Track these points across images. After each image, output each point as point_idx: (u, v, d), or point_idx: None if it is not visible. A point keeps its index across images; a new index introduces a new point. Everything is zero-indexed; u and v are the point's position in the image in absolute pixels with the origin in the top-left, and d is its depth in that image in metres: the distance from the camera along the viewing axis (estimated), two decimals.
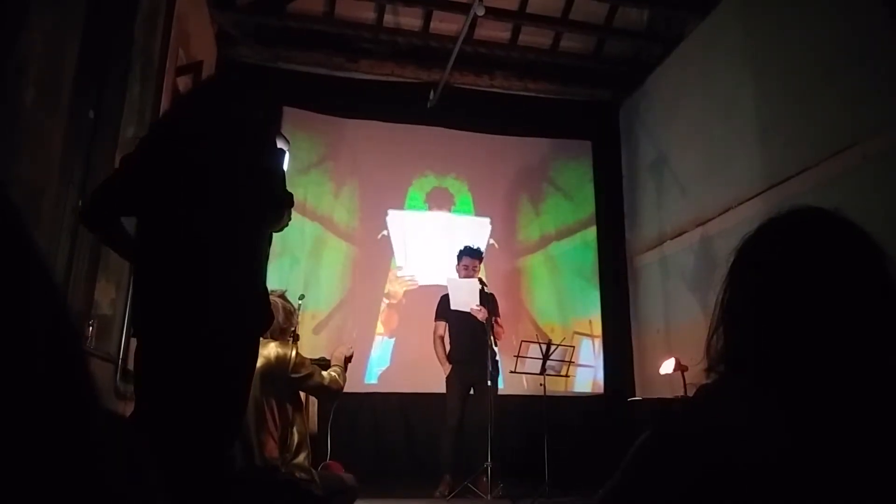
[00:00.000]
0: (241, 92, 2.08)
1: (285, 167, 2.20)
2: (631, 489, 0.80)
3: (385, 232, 5.97)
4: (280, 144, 2.23)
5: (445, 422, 4.69)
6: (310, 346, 4.35)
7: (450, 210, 6.18)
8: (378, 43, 5.95)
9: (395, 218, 6.02)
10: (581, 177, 6.52)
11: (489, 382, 4.49)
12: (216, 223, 1.85)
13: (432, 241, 5.97)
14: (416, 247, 5.99)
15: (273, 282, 2.13)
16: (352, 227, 5.95)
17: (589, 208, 6.44)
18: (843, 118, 3.88)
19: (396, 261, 5.94)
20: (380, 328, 5.79)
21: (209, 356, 1.79)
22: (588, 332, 6.10)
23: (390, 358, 5.72)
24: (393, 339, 5.77)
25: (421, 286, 5.83)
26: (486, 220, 6.19)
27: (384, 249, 5.95)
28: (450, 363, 4.81)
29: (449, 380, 4.78)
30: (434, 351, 4.93)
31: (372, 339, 5.72)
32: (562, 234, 6.33)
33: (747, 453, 0.72)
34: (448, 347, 4.89)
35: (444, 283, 4.97)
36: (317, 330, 5.47)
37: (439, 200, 6.17)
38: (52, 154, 2.55)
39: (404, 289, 5.87)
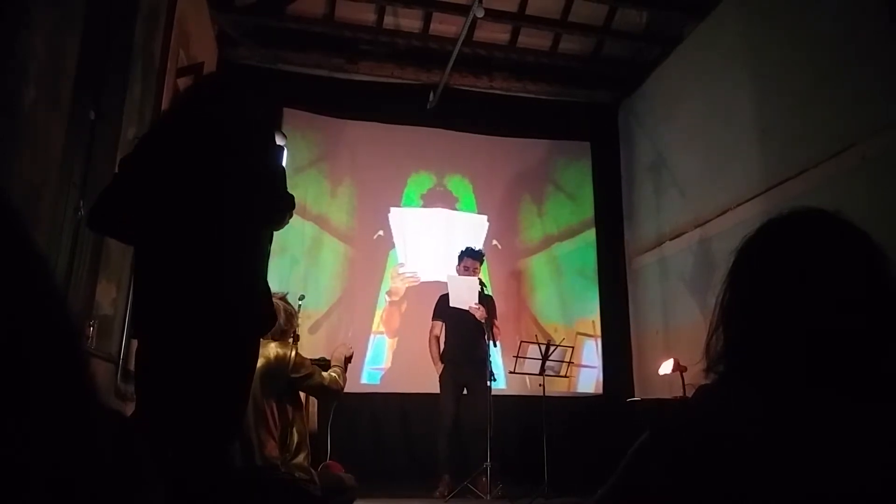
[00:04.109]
0: (239, 91, 2.07)
1: (283, 164, 2.20)
2: (629, 489, 0.81)
3: (381, 232, 5.98)
4: (278, 141, 2.22)
5: (439, 421, 4.70)
6: (305, 345, 4.35)
7: (450, 209, 6.19)
8: (377, 44, 5.96)
9: (396, 215, 6.03)
10: (583, 178, 6.54)
11: (488, 383, 4.50)
12: (216, 223, 1.85)
13: (433, 239, 5.98)
14: (418, 244, 6.00)
15: (273, 281, 2.13)
16: (349, 227, 5.96)
17: (591, 209, 6.45)
18: (842, 119, 3.88)
19: (398, 257, 5.94)
20: (381, 327, 5.79)
21: (209, 356, 1.79)
22: (591, 333, 6.11)
23: (392, 357, 5.72)
24: (396, 339, 5.76)
25: (423, 283, 5.84)
26: (484, 218, 6.19)
27: (380, 249, 5.95)
28: (442, 362, 4.83)
29: (441, 379, 4.80)
30: (429, 350, 4.95)
31: (367, 339, 5.72)
32: (564, 235, 6.34)
33: (745, 454, 0.73)
34: (442, 347, 4.90)
35: (445, 279, 4.98)
36: (313, 329, 5.48)
37: (439, 200, 6.18)
38: (53, 154, 2.56)
39: (406, 285, 5.87)
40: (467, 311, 4.71)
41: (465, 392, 4.77)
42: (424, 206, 6.14)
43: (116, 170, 2.02)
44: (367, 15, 5.74)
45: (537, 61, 6.20)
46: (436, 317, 4.99)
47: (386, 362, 5.72)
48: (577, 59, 6.23)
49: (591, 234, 6.38)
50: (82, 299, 3.19)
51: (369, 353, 5.69)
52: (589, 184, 6.52)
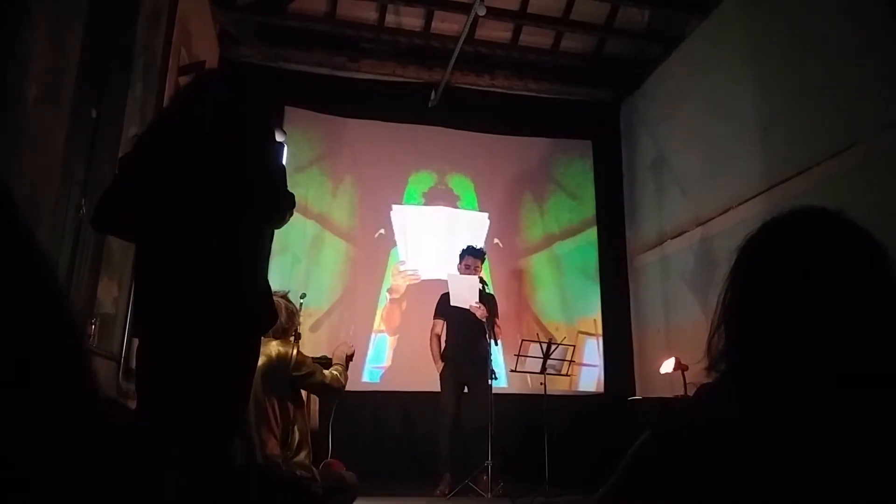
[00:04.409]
0: (238, 87, 2.07)
1: (283, 161, 2.19)
2: (631, 488, 0.81)
3: (382, 230, 5.98)
4: (278, 137, 2.21)
5: (440, 419, 4.70)
6: (306, 344, 4.35)
7: (452, 207, 6.19)
8: (379, 43, 5.95)
9: (397, 213, 6.03)
10: (584, 176, 6.53)
11: (489, 381, 4.51)
12: (216, 221, 1.85)
13: (435, 237, 5.98)
14: (419, 241, 6.00)
15: (274, 280, 2.13)
16: (350, 226, 5.96)
17: (592, 208, 6.45)
18: (844, 118, 3.87)
19: (399, 255, 5.95)
20: (381, 325, 5.79)
21: (210, 354, 1.79)
22: (593, 332, 6.11)
23: (393, 355, 5.72)
24: (396, 336, 5.77)
25: (424, 280, 5.84)
26: (485, 216, 6.19)
27: (382, 247, 5.95)
28: (443, 361, 4.83)
29: (442, 377, 4.81)
30: (430, 348, 4.95)
31: (369, 337, 5.72)
32: (566, 234, 6.34)
33: (747, 453, 0.73)
34: (443, 345, 4.91)
35: (445, 277, 4.99)
36: (314, 328, 5.48)
37: (440, 198, 6.18)
38: (55, 152, 2.56)
39: (407, 283, 5.88)
40: (468, 309, 4.71)
41: (465, 390, 4.77)
42: (426, 204, 6.14)
43: (116, 169, 2.02)
44: (369, 13, 5.74)
45: (539, 60, 6.19)
46: (437, 315, 4.99)
47: (387, 360, 5.72)
48: (578, 58, 6.22)
49: (592, 233, 6.38)
50: (84, 297, 3.19)
51: (370, 352, 5.69)
52: (590, 182, 6.51)
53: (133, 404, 1.94)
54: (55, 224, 2.77)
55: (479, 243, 5.38)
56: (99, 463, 0.42)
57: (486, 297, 4.78)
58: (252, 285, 1.91)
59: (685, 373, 4.46)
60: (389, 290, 5.86)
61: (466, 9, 5.20)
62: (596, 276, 6.28)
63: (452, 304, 4.77)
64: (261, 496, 2.54)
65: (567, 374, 4.97)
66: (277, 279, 5.14)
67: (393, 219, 6.01)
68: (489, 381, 4.52)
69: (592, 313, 6.17)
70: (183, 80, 4.15)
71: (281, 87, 5.70)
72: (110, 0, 3.25)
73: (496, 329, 4.79)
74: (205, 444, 1.79)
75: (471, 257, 4.94)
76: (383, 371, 5.69)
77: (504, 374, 5.09)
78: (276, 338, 2.77)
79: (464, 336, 4.78)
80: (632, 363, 6.06)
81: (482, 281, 4.82)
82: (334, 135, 6.06)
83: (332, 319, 5.67)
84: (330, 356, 3.22)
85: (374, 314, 5.81)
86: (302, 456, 2.76)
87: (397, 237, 5.99)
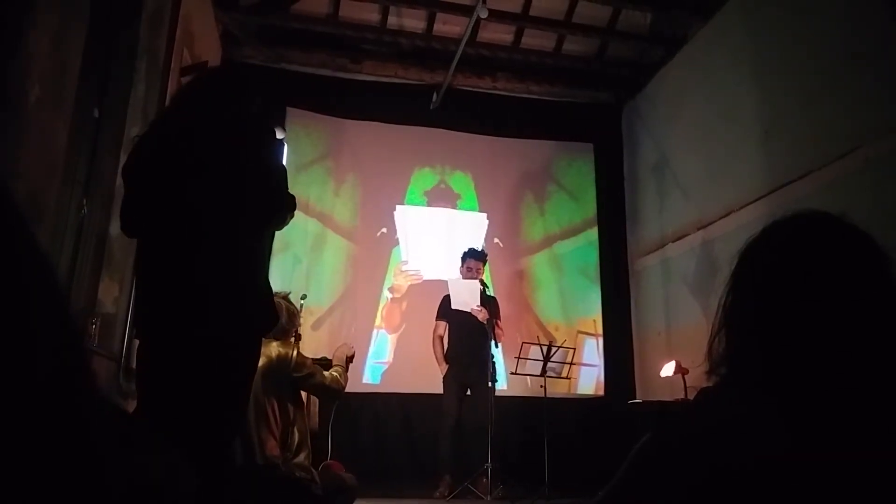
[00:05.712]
0: (238, 86, 2.07)
1: (284, 160, 2.19)
2: (631, 491, 0.80)
3: (384, 229, 5.98)
4: (278, 135, 2.21)
5: (442, 422, 4.70)
6: (307, 342, 4.35)
7: (453, 207, 6.19)
8: (381, 44, 5.96)
9: (400, 213, 6.04)
10: (585, 177, 6.53)
11: (490, 384, 4.50)
12: (216, 221, 1.85)
13: (436, 238, 5.99)
14: (420, 242, 6.01)
15: (275, 279, 2.13)
16: (352, 225, 5.97)
17: (593, 209, 6.45)
18: (846, 121, 3.87)
19: (402, 255, 5.95)
20: (381, 323, 5.79)
21: (211, 355, 1.79)
22: (592, 332, 6.11)
23: (393, 355, 5.73)
24: (396, 335, 5.77)
25: (426, 280, 5.84)
26: (484, 216, 6.19)
27: (384, 247, 5.96)
28: (447, 363, 4.83)
29: (445, 380, 4.80)
30: (433, 350, 4.95)
31: (370, 334, 5.73)
32: (566, 234, 6.34)
33: (748, 457, 0.72)
34: (446, 347, 4.90)
35: (446, 278, 4.99)
36: (315, 326, 5.49)
37: (441, 197, 6.18)
38: (57, 152, 2.56)
39: (409, 283, 5.88)
40: (470, 312, 4.71)
41: (468, 393, 4.77)
42: (428, 203, 6.15)
43: (118, 171, 2.02)
44: (371, 15, 5.75)
45: (541, 62, 6.19)
46: (439, 317, 4.99)
47: (388, 357, 5.72)
48: (580, 60, 6.22)
49: (593, 233, 6.38)
50: (85, 297, 3.19)
51: (372, 348, 5.70)
52: (591, 184, 6.51)
53: (133, 404, 1.94)
54: (56, 224, 2.78)
55: (478, 243, 5.37)
56: (98, 464, 0.42)
57: (487, 300, 4.78)
58: (253, 286, 1.91)
59: (686, 376, 4.46)
60: (391, 289, 5.87)
61: (468, 11, 5.20)
62: (596, 277, 6.28)
63: (453, 307, 4.77)
64: (260, 497, 2.54)
65: (567, 377, 4.96)
66: (279, 277, 5.15)
67: (396, 219, 6.02)
68: (490, 383, 4.52)
69: (592, 314, 6.17)
70: (185, 80, 4.15)
71: (283, 88, 5.71)
72: (113, 1, 3.26)
73: (497, 331, 4.79)
74: (205, 445, 1.79)
75: (472, 260, 4.94)
76: (385, 368, 5.69)
77: (504, 376, 5.09)
78: (276, 339, 2.77)
79: (466, 338, 4.78)
80: (632, 366, 6.06)
81: (482, 283, 4.82)
82: (337, 135, 6.07)
83: (334, 318, 5.68)
84: (330, 357, 3.22)
85: (376, 313, 5.82)
86: (301, 457, 2.75)
87: (400, 237, 6.00)
